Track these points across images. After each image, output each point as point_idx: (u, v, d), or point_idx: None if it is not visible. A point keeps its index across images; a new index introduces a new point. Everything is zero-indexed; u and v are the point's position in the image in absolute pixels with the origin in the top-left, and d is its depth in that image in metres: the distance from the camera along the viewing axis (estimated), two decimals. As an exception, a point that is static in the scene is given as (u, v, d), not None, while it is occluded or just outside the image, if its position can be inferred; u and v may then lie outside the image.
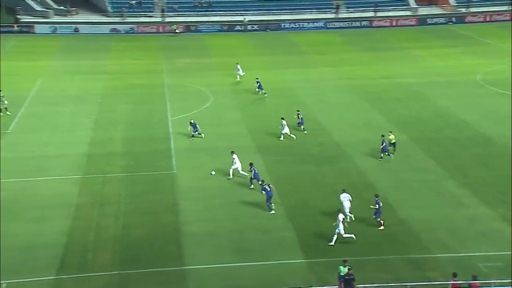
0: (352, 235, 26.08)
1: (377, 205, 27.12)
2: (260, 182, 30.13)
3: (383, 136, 35.82)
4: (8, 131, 39.91)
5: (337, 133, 39.77)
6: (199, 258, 25.16)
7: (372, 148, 36.27)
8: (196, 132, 38.44)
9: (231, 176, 32.54)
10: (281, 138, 38.35)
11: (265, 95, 48.38)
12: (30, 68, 57.95)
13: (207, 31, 79.66)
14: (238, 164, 32.54)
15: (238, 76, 52.94)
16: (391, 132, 36.38)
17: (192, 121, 38.58)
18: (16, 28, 75.32)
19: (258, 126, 41.84)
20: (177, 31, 76.27)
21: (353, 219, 28.00)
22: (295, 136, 38.60)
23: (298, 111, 40.86)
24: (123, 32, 77.79)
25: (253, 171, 31.40)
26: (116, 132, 40.53)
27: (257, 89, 48.78)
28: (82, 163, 34.90)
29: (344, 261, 22.83)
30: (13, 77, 54.19)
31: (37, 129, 40.57)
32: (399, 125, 41.09)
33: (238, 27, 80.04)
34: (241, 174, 32.41)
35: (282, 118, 38.89)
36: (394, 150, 35.35)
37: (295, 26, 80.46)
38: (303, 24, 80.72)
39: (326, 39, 74.12)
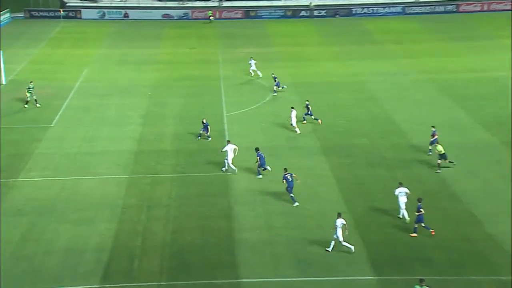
0: (352, 247, 26.00)
1: (421, 210, 27.06)
2: (283, 171, 30.48)
3: (433, 127, 35.57)
4: (51, 125, 41.58)
5: (414, 134, 39.11)
6: (255, 270, 25.31)
7: (456, 153, 35.39)
8: (206, 133, 38.50)
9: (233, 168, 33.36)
10: (298, 131, 39.53)
11: (284, 87, 48.16)
12: (75, 57, 60.14)
13: (269, 17, 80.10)
14: (229, 155, 33.35)
15: (252, 72, 52.29)
16: (437, 142, 34.68)
17: (204, 121, 38.73)
18: (62, 13, 78.36)
19: (324, 124, 41.75)
20: (211, 18, 77.15)
21: (407, 221, 27.90)
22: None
23: (307, 101, 41.60)
24: (176, 17, 79.43)
25: (259, 157, 32.42)
26: (166, 127, 41.45)
27: (274, 87, 48.15)
28: (130, 161, 35.88)
29: (421, 281, 22.42)
30: (57, 66, 56.49)
31: (82, 123, 42.03)
32: (488, 125, 39.95)
33: (303, 13, 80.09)
34: (231, 167, 33.38)
35: (292, 108, 40.45)
36: (446, 161, 34.02)
37: (368, 12, 79.56)
38: (377, 9, 79.67)
39: (404, 26, 72.92)
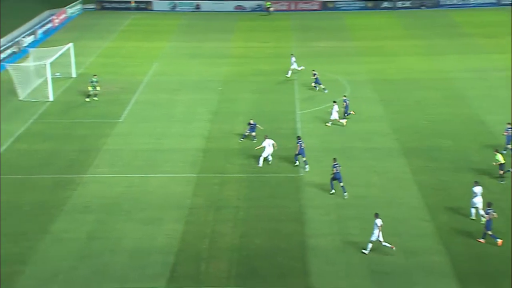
0: (393, 247, 26.39)
1: (489, 215, 26.86)
2: (332, 161, 32.00)
3: (509, 124, 35.00)
4: (120, 121, 42.75)
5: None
6: (327, 279, 25.24)
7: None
8: (252, 133, 38.52)
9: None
10: (329, 124, 40.88)
11: (325, 91, 47.38)
12: (145, 50, 61.59)
13: (348, 9, 79.49)
14: (268, 150, 34.97)
15: (289, 72, 50.95)
16: (497, 150, 33.34)
17: (251, 122, 38.84)
18: (133, 4, 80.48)
19: (405, 124, 41.08)
20: (271, 9, 77.02)
21: (483, 221, 27.65)
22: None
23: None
24: (249, 9, 80.00)
25: (299, 145, 34.16)
26: (236, 125, 41.79)
27: (313, 84, 47.75)
28: (198, 160, 36.43)
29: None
30: (127, 59, 58.04)
31: (150, 119, 42.98)
32: None
33: (385, 4, 78.97)
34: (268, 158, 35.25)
35: (334, 102, 41.48)
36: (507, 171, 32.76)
37: (457, 2, 77.37)
38: (468, 0, 77.31)
39: (496, 19, 70.60)
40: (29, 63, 49.09)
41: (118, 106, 45.46)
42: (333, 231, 28.63)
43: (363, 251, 26.64)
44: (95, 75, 47.68)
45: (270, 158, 35.32)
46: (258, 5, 79.90)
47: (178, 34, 68.69)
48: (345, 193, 31.49)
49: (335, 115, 40.70)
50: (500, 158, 32.57)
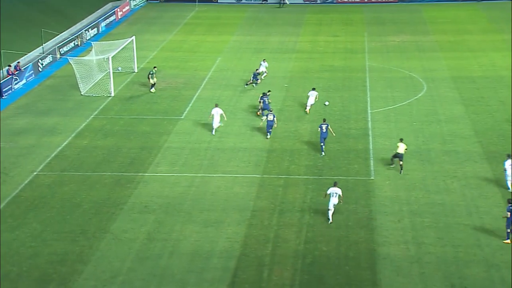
0: None
1: (508, 213, 26.96)
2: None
3: None
4: (181, 117, 43.46)
5: None
6: (398, 291, 25.08)
7: None
8: (256, 80, 41.37)
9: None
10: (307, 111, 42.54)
11: (255, 85, 47.62)
12: (209, 44, 62.41)
13: (426, 0, 78.16)
14: (215, 119, 39.58)
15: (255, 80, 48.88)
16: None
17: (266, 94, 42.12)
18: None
19: (488, 126, 40.23)
20: (286, 1, 76.69)
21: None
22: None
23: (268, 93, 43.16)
24: (319, 1, 79.91)
25: (261, 102, 38.66)
26: (303, 124, 41.86)
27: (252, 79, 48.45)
28: (261, 160, 36.67)
29: None
30: (189, 54, 58.95)
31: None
32: None
33: (468, -6, 77.16)
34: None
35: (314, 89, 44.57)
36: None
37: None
38: None
39: None
40: (92, 57, 50.63)
41: (180, 102, 46.25)
42: (406, 239, 28.29)
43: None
44: (155, 67, 48.79)
45: (215, 126, 39.70)
46: None
47: (243, 27, 69.26)
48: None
49: (310, 103, 43.22)
50: None
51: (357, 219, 30.05)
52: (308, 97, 43.73)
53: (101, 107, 45.51)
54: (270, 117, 39.04)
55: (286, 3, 78.36)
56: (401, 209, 30.87)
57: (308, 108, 43.37)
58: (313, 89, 44.34)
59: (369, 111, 43.64)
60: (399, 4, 78.34)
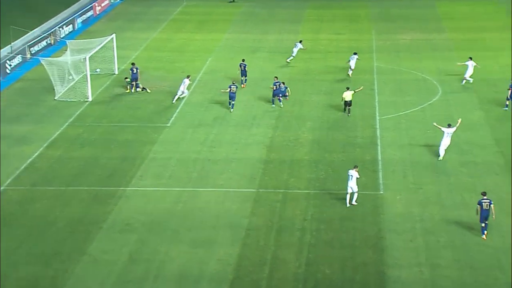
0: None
1: (479, 207, 28.86)
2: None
3: None
4: (167, 125, 43.42)
5: None
6: (410, 319, 25.04)
7: None
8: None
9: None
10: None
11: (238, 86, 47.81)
12: (198, 43, 62.48)
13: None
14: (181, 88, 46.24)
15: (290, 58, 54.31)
16: None
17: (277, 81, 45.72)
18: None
19: (510, 134, 40.33)
20: None
21: None
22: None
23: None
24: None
25: (228, 89, 44.57)
26: (303, 132, 41.94)
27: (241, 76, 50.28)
28: (257, 172, 36.63)
29: None
30: (177, 54, 58.99)
31: (202, 124, 43.47)
32: None
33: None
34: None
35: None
36: None
37: None
38: None
39: None
40: (66, 57, 50.51)
41: (165, 108, 46.23)
42: (420, 261, 28.30)
43: None
44: (133, 63, 49.06)
45: (176, 97, 46.31)
46: None
47: (237, 24, 69.40)
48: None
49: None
50: None
51: (364, 238, 30.02)
52: (349, 61, 50.72)
53: (77, 113, 45.44)
54: (234, 89, 44.93)
55: None
56: (414, 227, 30.88)
57: (350, 72, 50.75)
58: (355, 53, 51.51)
59: (377, 118, 43.73)
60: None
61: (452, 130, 37.35)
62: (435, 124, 38.38)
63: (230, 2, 78.62)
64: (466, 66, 49.20)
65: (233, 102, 45.13)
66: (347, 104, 44.13)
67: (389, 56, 56.99)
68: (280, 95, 45.89)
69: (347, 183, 32.47)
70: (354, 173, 32.50)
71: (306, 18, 71.16)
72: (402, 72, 52.70)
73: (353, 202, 32.67)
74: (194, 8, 76.02)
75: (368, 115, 44.15)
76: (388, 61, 55.28)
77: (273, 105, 45.79)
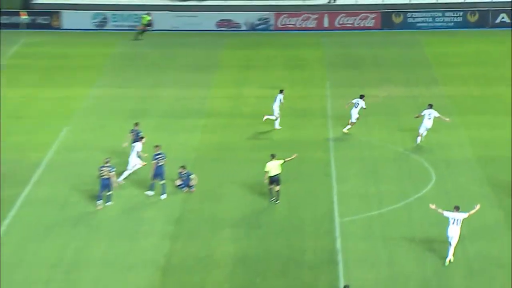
0: None
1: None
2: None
3: None
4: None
5: None
6: None
7: None
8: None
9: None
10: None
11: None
12: (47, 103, 62.47)
13: (429, 27, 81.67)
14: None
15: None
16: None
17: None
18: (25, 18, 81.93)
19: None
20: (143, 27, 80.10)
21: None
22: None
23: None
24: (245, 27, 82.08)
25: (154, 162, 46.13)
26: (219, 243, 41.82)
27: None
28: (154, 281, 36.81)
29: None
30: (12, 122, 58.26)
31: (54, 232, 43.04)
32: None
33: (502, 18, 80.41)
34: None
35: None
36: None
37: None
38: None
39: None
40: None
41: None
42: None
43: None
44: None
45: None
46: (262, 19, 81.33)
47: (111, 72, 70.00)
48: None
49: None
50: None
51: None
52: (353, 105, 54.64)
53: None
54: (162, 161, 46.60)
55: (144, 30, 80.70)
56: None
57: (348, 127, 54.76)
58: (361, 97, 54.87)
59: (336, 220, 43.99)
60: (383, 31, 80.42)
61: (461, 216, 38.71)
62: (433, 207, 39.19)
63: (136, 40, 79.92)
64: (422, 118, 52.29)
65: (109, 194, 45.19)
66: (274, 181, 44.62)
67: (349, 121, 57.45)
68: (182, 185, 46.25)
69: None
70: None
71: (224, 62, 72.31)
72: (374, 147, 53.68)
73: None
74: (38, 48, 75.90)
75: (322, 216, 44.34)
76: (352, 130, 55.67)
77: (150, 192, 46.75)
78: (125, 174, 48.05)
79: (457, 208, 39.09)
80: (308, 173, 49.90)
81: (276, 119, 56.32)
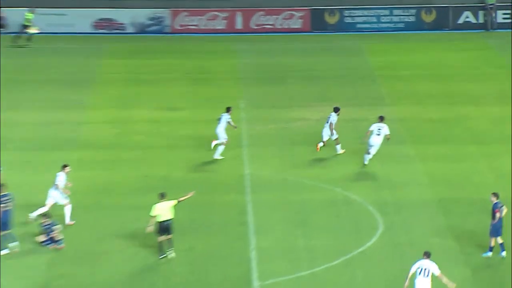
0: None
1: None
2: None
3: None
4: None
5: None
6: None
7: None
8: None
9: None
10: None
11: None
12: None
13: (373, 29, 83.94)
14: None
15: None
16: None
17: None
18: None
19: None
20: (30, 30, 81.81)
21: None
22: None
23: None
24: (132, 29, 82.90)
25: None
26: None
27: None
28: None
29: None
30: None
31: None
32: None
33: (467, 19, 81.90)
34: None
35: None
36: None
37: None
38: None
39: None
40: None
41: None
42: None
43: None
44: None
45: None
46: (155, 19, 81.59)
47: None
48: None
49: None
50: None
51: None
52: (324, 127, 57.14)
53: None
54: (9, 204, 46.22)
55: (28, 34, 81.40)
56: None
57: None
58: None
59: (255, 284, 43.56)
60: (316, 35, 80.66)
61: (431, 267, 39.65)
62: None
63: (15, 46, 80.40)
64: (370, 133, 53.54)
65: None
66: (164, 230, 44.34)
67: (276, 153, 57.35)
68: (46, 241, 44.95)
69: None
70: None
71: (104, 75, 72.60)
72: (303, 187, 53.88)
73: None
74: None
75: (236, 279, 44.03)
76: (273, 166, 56.06)
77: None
78: None
79: (427, 255, 39.20)
80: (218, 223, 49.71)
81: (220, 145, 57.53)
